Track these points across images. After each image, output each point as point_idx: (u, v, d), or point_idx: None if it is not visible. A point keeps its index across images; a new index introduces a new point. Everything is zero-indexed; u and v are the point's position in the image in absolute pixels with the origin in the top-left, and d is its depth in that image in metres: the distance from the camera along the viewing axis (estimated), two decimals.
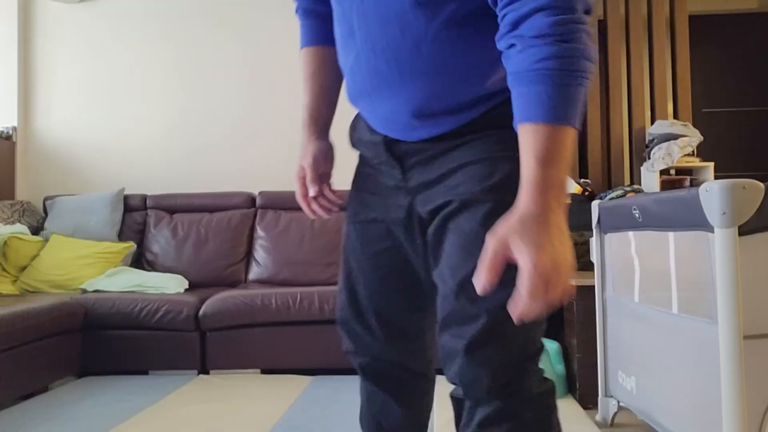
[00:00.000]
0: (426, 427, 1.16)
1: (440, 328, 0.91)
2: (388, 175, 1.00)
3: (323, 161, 1.09)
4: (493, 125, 0.90)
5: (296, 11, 1.16)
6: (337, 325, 1.11)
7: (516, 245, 0.73)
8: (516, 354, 0.87)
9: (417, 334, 1.08)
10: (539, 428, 0.89)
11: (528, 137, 0.77)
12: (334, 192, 1.10)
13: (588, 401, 2.23)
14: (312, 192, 1.07)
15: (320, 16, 1.10)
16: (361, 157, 1.08)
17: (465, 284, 0.84)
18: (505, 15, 0.78)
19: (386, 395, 1.11)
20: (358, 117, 1.06)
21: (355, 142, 1.08)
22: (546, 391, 0.90)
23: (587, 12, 0.79)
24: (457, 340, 0.87)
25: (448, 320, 0.89)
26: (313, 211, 1.09)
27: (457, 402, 0.95)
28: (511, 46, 0.78)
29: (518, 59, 0.78)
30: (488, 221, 0.83)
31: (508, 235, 0.74)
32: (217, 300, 2.71)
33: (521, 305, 0.73)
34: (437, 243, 0.92)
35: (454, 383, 0.92)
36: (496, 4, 0.80)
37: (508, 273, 0.75)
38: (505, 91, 0.83)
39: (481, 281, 0.74)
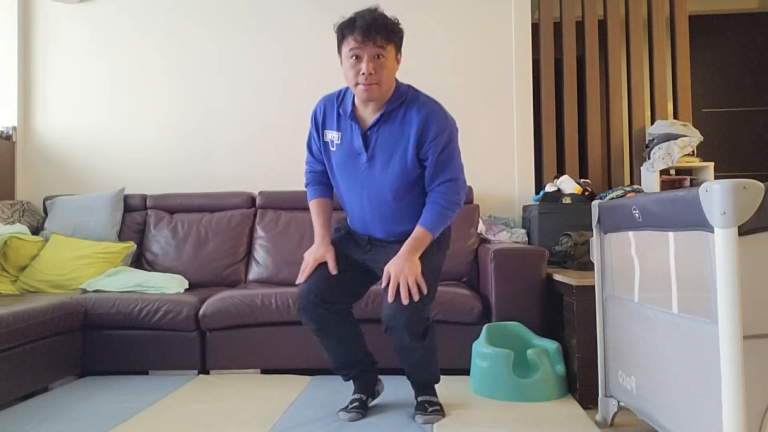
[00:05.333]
0: (361, 334, 2.13)
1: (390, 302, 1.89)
2: (364, 247, 2.07)
3: (330, 254, 2.00)
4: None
5: (307, 185, 2.14)
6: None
7: (390, 268, 1.87)
8: (426, 315, 1.94)
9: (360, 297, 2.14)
10: (434, 341, 2.05)
11: (419, 230, 1.92)
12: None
13: (588, 401, 2.23)
14: (335, 269, 1.97)
15: (323, 185, 2.13)
16: (348, 233, 2.12)
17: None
18: (434, 186, 1.96)
19: (343, 321, 2.06)
20: (346, 224, 2.14)
21: (348, 230, 2.12)
22: (432, 325, 2.01)
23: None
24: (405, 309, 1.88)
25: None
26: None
27: (393, 332, 1.92)
28: (433, 193, 1.96)
29: (431, 201, 1.95)
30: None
31: (389, 266, 1.88)
32: (217, 300, 2.71)
33: (393, 288, 1.83)
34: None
35: (399, 329, 1.90)
36: (428, 185, 1.97)
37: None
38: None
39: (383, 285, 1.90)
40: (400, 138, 1.89)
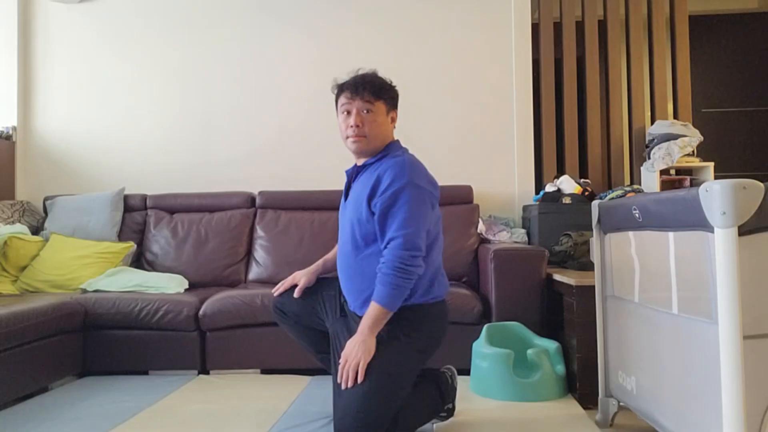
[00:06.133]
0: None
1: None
2: (342, 309, 2.02)
3: (304, 280, 2.10)
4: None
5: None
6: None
7: (346, 346, 1.77)
8: (376, 418, 1.69)
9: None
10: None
11: (371, 304, 1.77)
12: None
13: (588, 401, 2.23)
14: (298, 295, 2.07)
15: None
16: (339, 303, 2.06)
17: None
18: (383, 247, 1.81)
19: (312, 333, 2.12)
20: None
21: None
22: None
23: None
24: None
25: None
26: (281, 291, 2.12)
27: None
28: (382, 258, 1.80)
29: (379, 270, 1.78)
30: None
31: (347, 344, 1.77)
32: (217, 300, 2.71)
33: (341, 372, 1.72)
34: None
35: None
36: (381, 245, 1.83)
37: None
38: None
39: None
40: (364, 188, 1.90)
